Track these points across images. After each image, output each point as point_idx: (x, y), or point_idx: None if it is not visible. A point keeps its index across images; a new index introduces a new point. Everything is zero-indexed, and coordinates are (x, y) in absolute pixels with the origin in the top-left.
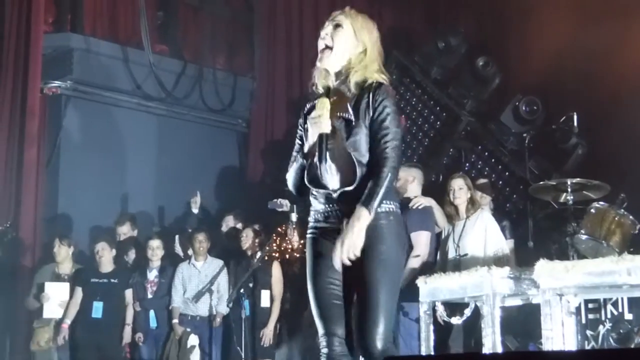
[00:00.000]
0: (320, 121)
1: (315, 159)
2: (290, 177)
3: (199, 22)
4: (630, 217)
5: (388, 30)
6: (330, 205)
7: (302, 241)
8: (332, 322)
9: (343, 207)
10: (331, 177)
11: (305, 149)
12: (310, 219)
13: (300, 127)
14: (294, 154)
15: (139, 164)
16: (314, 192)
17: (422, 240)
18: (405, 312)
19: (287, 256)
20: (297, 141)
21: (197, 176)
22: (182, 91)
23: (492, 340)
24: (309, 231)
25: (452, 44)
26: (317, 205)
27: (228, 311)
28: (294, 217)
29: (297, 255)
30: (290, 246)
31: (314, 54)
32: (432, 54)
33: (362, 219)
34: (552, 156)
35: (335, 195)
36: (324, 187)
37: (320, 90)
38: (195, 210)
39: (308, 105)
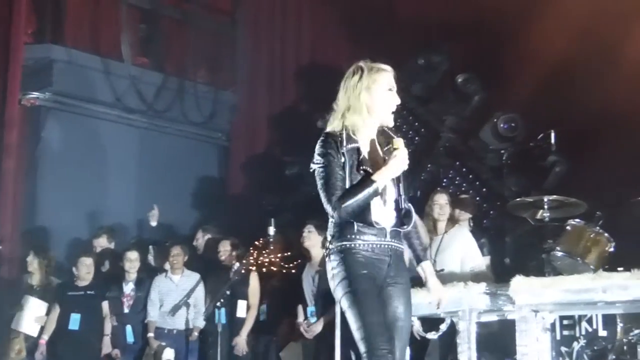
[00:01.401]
0: (405, 158)
1: (386, 197)
2: (358, 205)
3: (181, 35)
4: (606, 234)
5: (370, 47)
6: (383, 239)
7: (279, 255)
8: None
9: (393, 243)
10: (390, 215)
11: (379, 185)
12: (353, 243)
13: (340, 165)
14: (340, 187)
15: (118, 177)
16: (374, 224)
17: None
18: None
19: (265, 269)
20: (339, 175)
21: (176, 189)
22: (163, 104)
23: (467, 355)
24: (356, 255)
25: (433, 61)
26: (367, 237)
27: (204, 325)
28: (271, 230)
29: (275, 269)
30: (267, 260)
31: (295, 70)
32: (414, 71)
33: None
34: (531, 173)
35: (388, 230)
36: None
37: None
38: (153, 224)
39: (350, 145)
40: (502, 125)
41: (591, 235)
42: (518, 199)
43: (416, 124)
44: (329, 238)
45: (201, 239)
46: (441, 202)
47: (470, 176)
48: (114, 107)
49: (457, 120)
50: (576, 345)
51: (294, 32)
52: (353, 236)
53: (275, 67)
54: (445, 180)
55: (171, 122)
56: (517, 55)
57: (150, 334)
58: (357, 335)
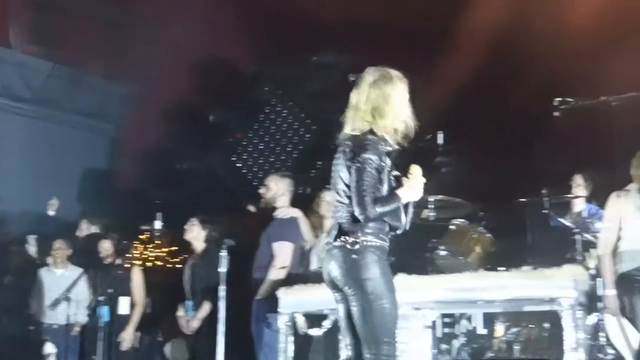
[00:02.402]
0: (421, 186)
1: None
2: (386, 214)
3: (73, 24)
4: (489, 235)
5: (266, 43)
6: (389, 242)
7: (165, 249)
8: None
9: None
10: None
11: (404, 200)
12: (379, 244)
13: (381, 169)
14: (374, 193)
15: (4, 166)
16: (390, 229)
17: (284, 251)
18: (268, 323)
19: (150, 264)
20: (377, 179)
21: (64, 180)
22: (52, 93)
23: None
24: (380, 256)
25: (328, 59)
26: (384, 239)
27: (87, 320)
28: (157, 224)
29: (161, 264)
30: (153, 254)
31: (189, 64)
32: (309, 68)
33: None
34: None
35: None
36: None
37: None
38: (51, 213)
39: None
40: None
41: (474, 235)
42: None
43: (308, 121)
44: (354, 230)
45: (85, 231)
46: (329, 200)
47: None
48: (1, 95)
49: None
50: (456, 343)
51: (189, 26)
52: (384, 237)
53: (169, 60)
54: None
55: (60, 111)
56: (412, 56)
57: (31, 328)
58: (379, 331)
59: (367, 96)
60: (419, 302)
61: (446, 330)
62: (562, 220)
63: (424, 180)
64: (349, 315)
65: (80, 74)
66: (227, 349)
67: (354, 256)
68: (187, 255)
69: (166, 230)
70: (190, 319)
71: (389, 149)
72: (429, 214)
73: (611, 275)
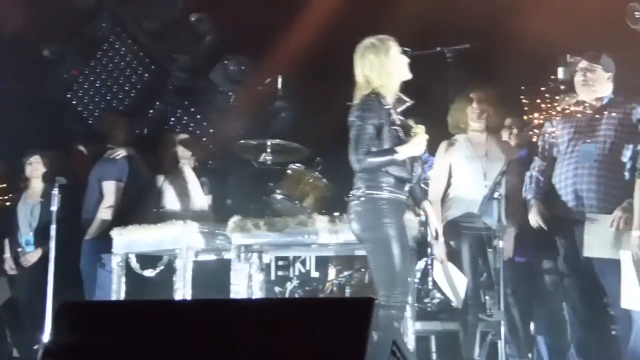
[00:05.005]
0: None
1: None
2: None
3: None
4: (324, 180)
5: None
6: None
7: None
8: None
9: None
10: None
11: (403, 155)
12: (385, 196)
13: (380, 126)
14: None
15: None
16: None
17: (112, 190)
18: (103, 263)
19: None
20: (370, 137)
21: None
22: None
23: (182, 293)
24: (386, 207)
25: None
26: (394, 192)
27: None
28: None
29: None
30: None
31: None
32: (148, 6)
33: None
34: (258, 117)
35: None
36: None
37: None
38: None
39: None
40: (232, 67)
41: (310, 180)
42: (242, 141)
43: (147, 60)
44: (360, 185)
45: None
46: (167, 143)
47: (198, 116)
48: None
49: (188, 59)
50: (289, 285)
51: None
52: (394, 189)
53: None
54: (172, 119)
55: None
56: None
57: None
58: (389, 277)
59: (361, 68)
60: (253, 244)
61: (280, 273)
62: None
63: (426, 137)
64: None
65: None
66: (57, 285)
67: (358, 208)
68: (16, 193)
69: None
70: (28, 253)
71: (389, 106)
72: (266, 157)
73: (439, 223)
